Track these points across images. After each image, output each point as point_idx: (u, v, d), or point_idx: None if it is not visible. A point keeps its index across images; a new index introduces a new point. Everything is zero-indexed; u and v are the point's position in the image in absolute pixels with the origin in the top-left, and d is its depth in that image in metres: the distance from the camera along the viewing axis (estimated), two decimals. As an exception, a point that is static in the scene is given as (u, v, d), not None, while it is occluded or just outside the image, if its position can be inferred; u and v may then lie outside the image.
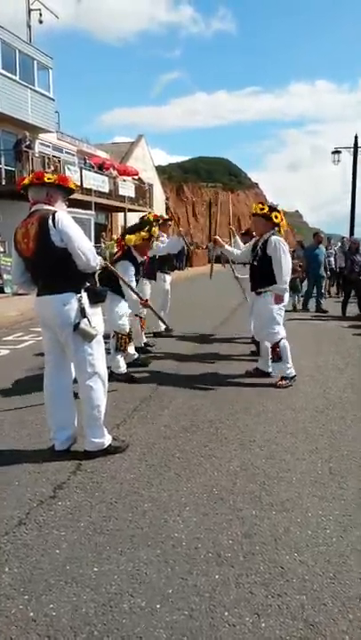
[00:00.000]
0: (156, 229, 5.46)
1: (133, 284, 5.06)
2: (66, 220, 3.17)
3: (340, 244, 15.12)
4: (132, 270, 5.21)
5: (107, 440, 3.42)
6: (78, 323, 3.20)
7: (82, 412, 3.40)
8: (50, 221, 3.14)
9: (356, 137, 20.99)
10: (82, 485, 3.01)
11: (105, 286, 4.96)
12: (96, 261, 3.28)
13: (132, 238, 5.28)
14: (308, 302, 11.67)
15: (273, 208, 5.29)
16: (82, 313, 3.22)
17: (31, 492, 2.92)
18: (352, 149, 21.26)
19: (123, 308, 5.27)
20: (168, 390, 4.99)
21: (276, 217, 5.21)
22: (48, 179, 3.29)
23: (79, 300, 3.23)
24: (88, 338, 3.23)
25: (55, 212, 3.20)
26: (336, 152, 22.28)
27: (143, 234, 5.26)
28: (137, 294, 5.01)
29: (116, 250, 5.82)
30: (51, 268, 3.23)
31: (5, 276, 13.03)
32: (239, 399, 4.73)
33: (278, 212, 5.28)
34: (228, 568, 2.25)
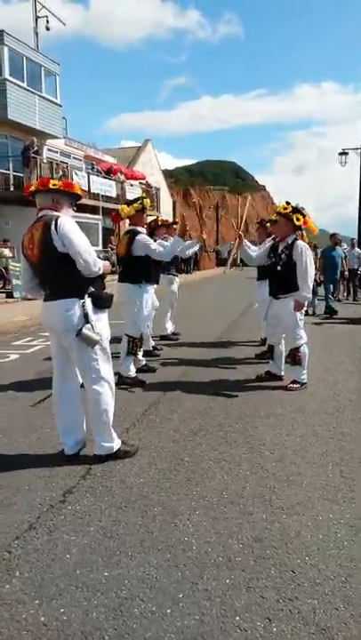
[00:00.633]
0: (147, 201, 5.53)
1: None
2: (67, 225, 3.17)
3: (346, 245, 15.02)
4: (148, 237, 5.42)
5: (116, 444, 3.42)
6: (81, 328, 3.18)
7: (90, 416, 3.41)
8: (52, 226, 3.14)
9: (363, 138, 20.93)
10: (92, 490, 3.01)
11: (135, 274, 5.22)
12: (98, 266, 3.24)
13: (124, 208, 5.40)
14: (330, 306, 11.07)
15: (296, 209, 5.12)
16: (85, 318, 3.21)
17: (41, 497, 2.92)
18: (359, 150, 21.21)
19: (150, 301, 5.38)
20: (177, 394, 4.99)
21: (298, 219, 5.06)
22: (53, 185, 3.30)
23: (82, 306, 3.22)
24: (91, 343, 3.21)
25: (58, 217, 3.20)
26: (343, 153, 22.23)
27: (136, 205, 5.35)
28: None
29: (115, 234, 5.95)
30: (54, 274, 3.25)
31: (15, 281, 13.11)
32: (248, 402, 4.71)
33: (303, 214, 5.12)
34: (238, 572, 2.24)
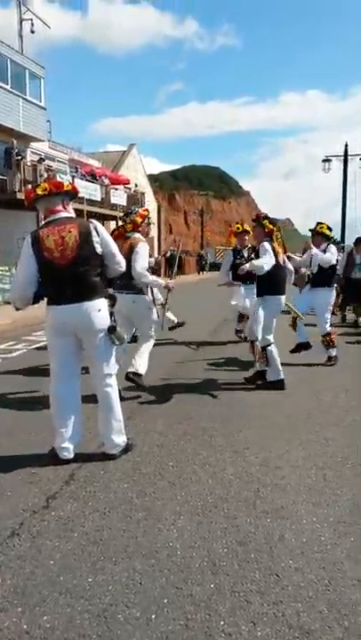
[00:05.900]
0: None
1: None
2: (104, 229, 3.38)
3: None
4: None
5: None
6: (114, 326, 3.33)
7: (107, 414, 3.43)
8: (92, 230, 3.27)
9: (346, 145, 21.23)
10: (75, 495, 2.99)
11: None
12: (123, 266, 3.52)
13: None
14: None
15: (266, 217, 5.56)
16: (111, 316, 3.37)
17: (24, 503, 2.89)
18: (342, 158, 21.49)
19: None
20: (161, 399, 4.98)
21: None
22: (67, 186, 3.40)
23: (108, 305, 3.38)
24: (121, 340, 3.38)
25: (91, 220, 3.38)
26: (327, 160, 22.49)
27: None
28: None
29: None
30: (87, 276, 3.28)
31: (-3, 285, 12.95)
32: (232, 406, 4.72)
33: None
34: (223, 577, 2.24)
